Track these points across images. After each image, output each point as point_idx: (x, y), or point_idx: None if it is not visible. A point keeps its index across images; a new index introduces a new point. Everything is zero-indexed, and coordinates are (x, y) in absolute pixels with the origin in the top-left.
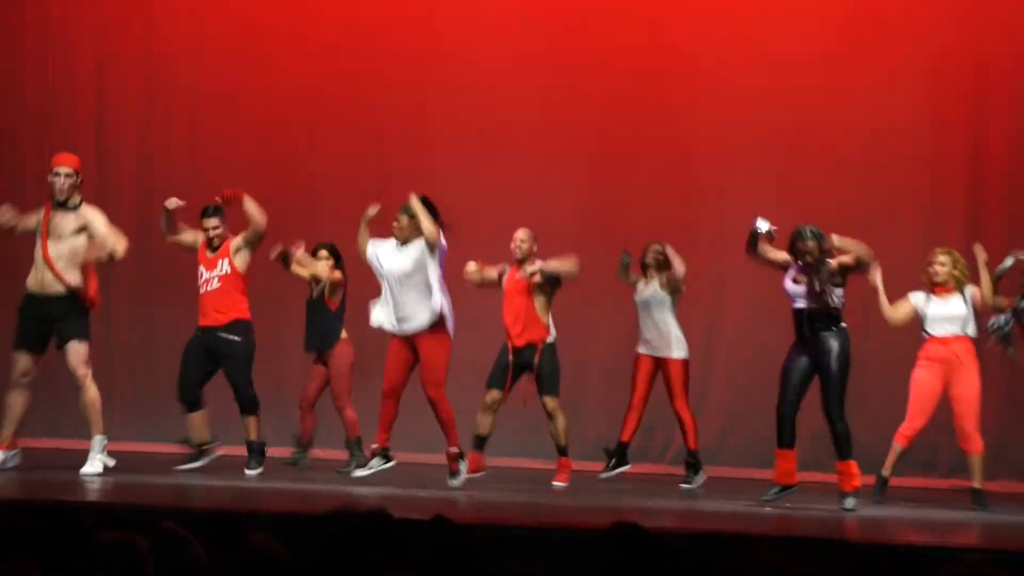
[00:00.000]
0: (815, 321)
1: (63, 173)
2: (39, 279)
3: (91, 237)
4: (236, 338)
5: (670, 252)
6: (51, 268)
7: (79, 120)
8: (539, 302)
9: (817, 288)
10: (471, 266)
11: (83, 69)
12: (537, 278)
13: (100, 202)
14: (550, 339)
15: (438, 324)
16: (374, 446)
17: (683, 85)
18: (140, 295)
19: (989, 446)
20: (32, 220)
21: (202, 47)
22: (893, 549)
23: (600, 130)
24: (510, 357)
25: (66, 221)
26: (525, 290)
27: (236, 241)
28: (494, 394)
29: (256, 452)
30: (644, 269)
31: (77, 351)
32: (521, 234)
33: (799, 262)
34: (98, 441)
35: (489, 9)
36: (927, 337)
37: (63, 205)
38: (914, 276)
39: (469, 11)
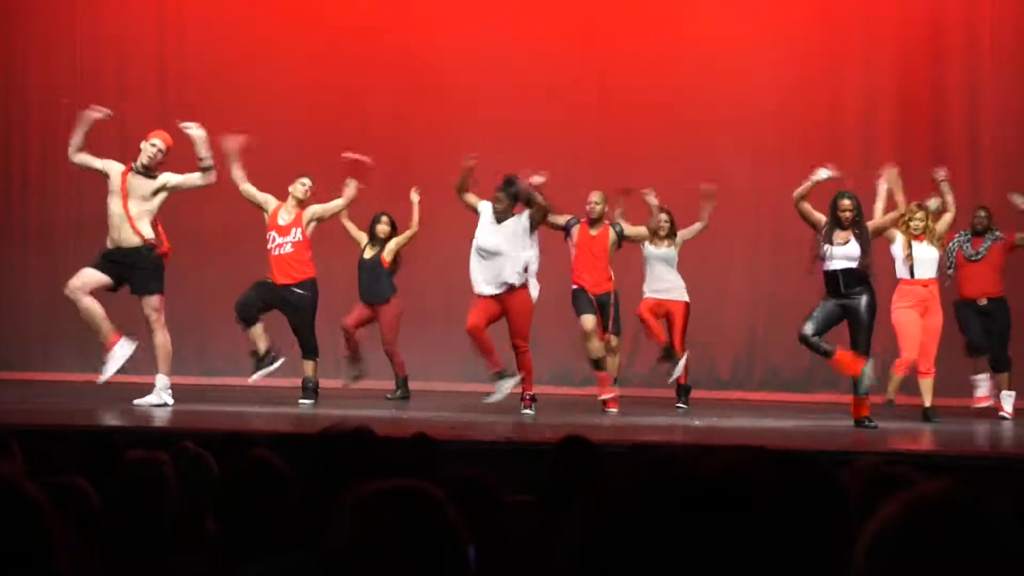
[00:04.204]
0: (849, 280)
1: (158, 146)
2: (116, 236)
3: (173, 189)
4: (306, 292)
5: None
6: (131, 223)
7: (104, 92)
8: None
9: (861, 247)
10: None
11: (107, 59)
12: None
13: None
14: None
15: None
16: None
17: (678, 66)
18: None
19: (882, 367)
20: (106, 169)
21: (210, 40)
22: (804, 453)
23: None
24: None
25: (145, 184)
26: (603, 247)
27: (310, 212)
28: (590, 319)
29: (311, 389)
30: (654, 231)
31: (151, 301)
32: (596, 196)
33: (838, 222)
34: (161, 379)
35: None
36: (908, 278)
37: (144, 173)
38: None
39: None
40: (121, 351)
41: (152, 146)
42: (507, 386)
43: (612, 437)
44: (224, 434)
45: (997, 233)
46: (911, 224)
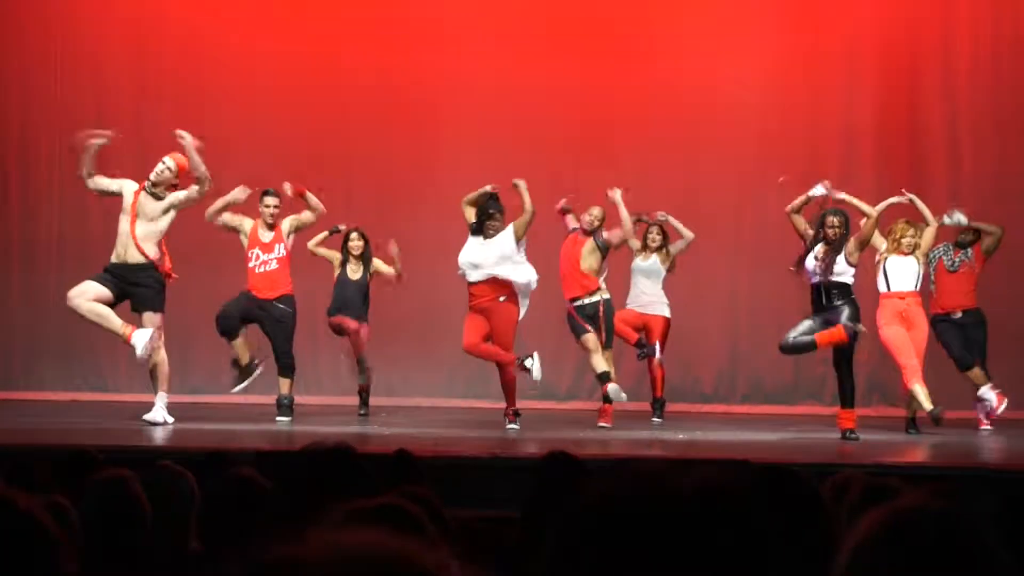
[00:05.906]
0: (830, 293)
1: (167, 164)
2: (122, 252)
3: (179, 207)
4: (288, 308)
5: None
6: (135, 243)
7: (82, 108)
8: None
9: (830, 263)
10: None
11: (84, 64)
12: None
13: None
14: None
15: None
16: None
17: (661, 86)
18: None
19: (864, 378)
20: (121, 189)
21: (189, 55)
22: (786, 467)
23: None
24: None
25: (153, 205)
26: (576, 256)
27: (288, 224)
28: (591, 338)
29: (287, 406)
30: (645, 243)
31: (152, 320)
32: (596, 212)
33: (825, 238)
34: (161, 397)
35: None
36: (886, 291)
37: (153, 192)
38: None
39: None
40: (140, 337)
41: (163, 164)
42: (534, 363)
43: (596, 452)
44: (205, 452)
45: (969, 250)
46: (903, 241)
